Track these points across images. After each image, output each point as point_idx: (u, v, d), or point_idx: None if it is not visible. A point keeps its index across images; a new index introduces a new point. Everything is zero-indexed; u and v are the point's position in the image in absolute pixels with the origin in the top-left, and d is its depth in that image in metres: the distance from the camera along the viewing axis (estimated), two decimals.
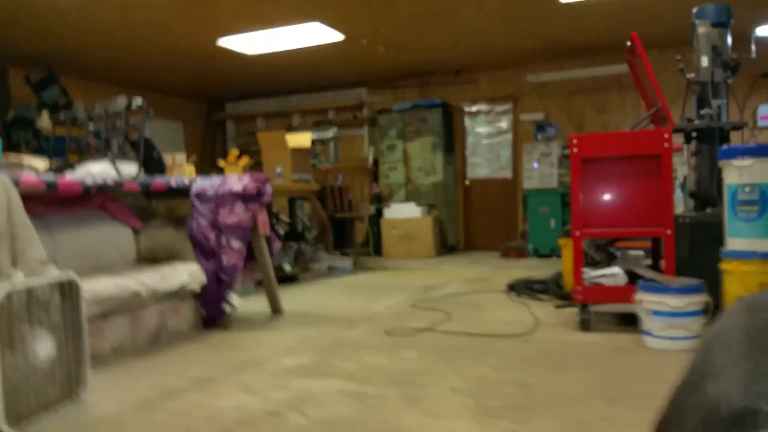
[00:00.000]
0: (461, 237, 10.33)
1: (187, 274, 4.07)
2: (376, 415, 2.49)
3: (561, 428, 2.28)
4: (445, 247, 9.63)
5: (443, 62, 9.46)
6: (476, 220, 10.31)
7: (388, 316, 4.52)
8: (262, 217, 4.58)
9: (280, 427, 2.40)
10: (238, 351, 3.64)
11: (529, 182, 9.12)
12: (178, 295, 4.03)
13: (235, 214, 4.32)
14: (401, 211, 9.21)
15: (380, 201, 9.74)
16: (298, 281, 6.45)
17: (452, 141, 10.12)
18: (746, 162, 3.41)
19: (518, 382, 2.88)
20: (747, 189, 3.39)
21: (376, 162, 10.20)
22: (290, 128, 10.44)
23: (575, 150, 3.80)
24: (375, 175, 10.09)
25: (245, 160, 6.93)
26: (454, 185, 10.19)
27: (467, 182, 10.33)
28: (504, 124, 10.07)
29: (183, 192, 4.47)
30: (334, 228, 8.27)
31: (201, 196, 4.42)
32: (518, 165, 9.76)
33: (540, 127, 9.09)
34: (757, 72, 8.12)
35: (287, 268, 6.40)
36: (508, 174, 10.05)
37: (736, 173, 3.48)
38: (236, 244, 4.31)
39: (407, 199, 9.71)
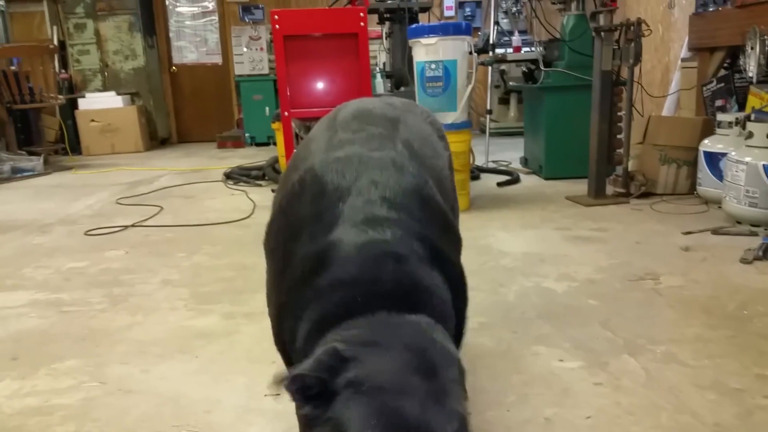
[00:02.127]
0: (173, 128, 9.66)
1: None
2: (75, 322, 2.24)
3: None
4: (156, 140, 8.94)
5: None
6: (188, 110, 9.70)
7: (88, 216, 4.06)
8: None
9: None
10: None
11: (241, 68, 8.79)
12: None
13: None
14: (100, 101, 8.17)
15: (73, 90, 8.50)
16: None
17: (152, 21, 9.14)
18: (432, 40, 3.68)
19: (235, 266, 2.84)
20: (433, 66, 3.69)
21: (63, 45, 8.77)
22: None
23: (277, 26, 3.69)
24: (63, 60, 8.70)
25: None
26: (159, 71, 9.34)
27: (174, 69, 9.56)
28: (209, 4, 9.38)
29: None
30: (17, 123, 7.02)
31: None
32: (228, 50, 9.30)
33: (246, 9, 8.68)
34: None
35: None
36: (217, 59, 9.53)
37: (423, 51, 3.76)
38: None
39: (105, 87, 8.63)
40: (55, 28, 8.96)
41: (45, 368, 1.86)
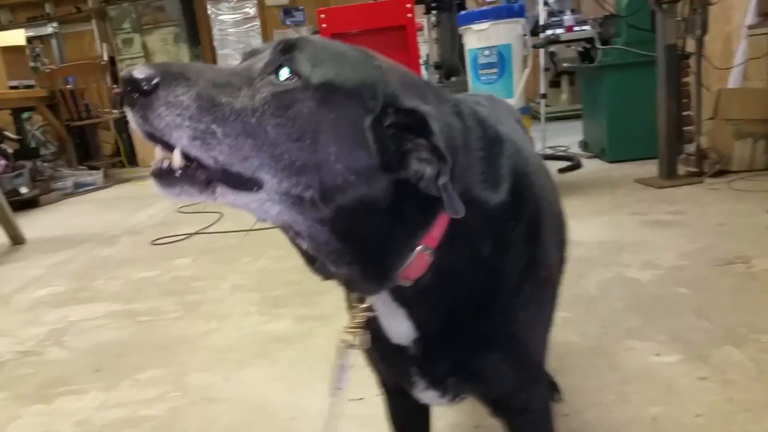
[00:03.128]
0: None
1: None
2: (152, 331, 2.25)
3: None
4: None
5: None
6: None
7: (152, 226, 4.12)
8: None
9: (40, 365, 2.05)
10: None
11: None
12: None
13: None
14: None
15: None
16: (39, 204, 5.57)
17: (196, 31, 9.29)
18: (484, 26, 3.57)
19: (301, 269, 2.71)
20: (486, 52, 3.58)
21: (113, 60, 9.01)
22: None
23: (324, 25, 3.65)
24: (114, 75, 8.93)
25: None
26: None
27: None
28: (250, 10, 9.47)
29: None
30: (76, 139, 7.23)
31: None
32: None
33: (287, 11, 8.72)
34: None
35: (23, 190, 5.46)
36: None
37: (475, 38, 3.65)
38: None
39: None
40: (104, 45, 9.20)
41: (128, 379, 1.86)
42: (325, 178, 0.67)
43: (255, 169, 0.65)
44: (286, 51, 0.68)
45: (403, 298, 0.80)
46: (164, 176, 0.67)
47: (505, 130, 0.89)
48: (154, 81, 0.62)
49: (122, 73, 0.64)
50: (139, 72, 0.63)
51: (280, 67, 0.67)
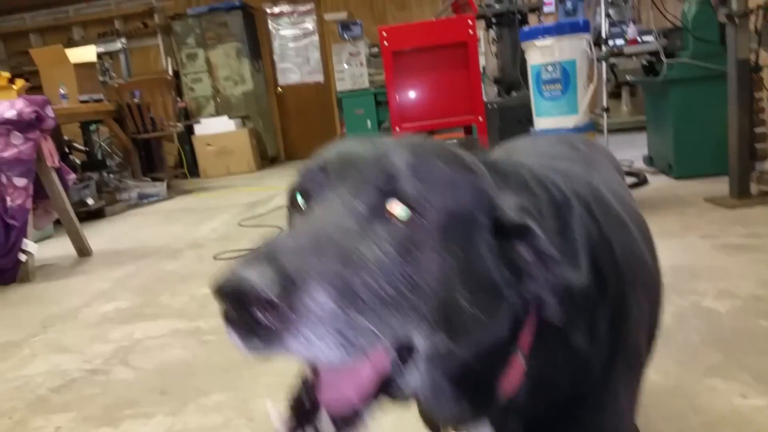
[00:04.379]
0: (281, 147, 9.98)
1: None
2: (217, 352, 2.27)
3: None
4: (266, 159, 9.26)
5: None
6: (294, 128, 9.99)
7: (214, 239, 4.20)
8: (48, 147, 3.90)
9: (106, 385, 2.10)
10: (43, 305, 3.15)
11: (342, 84, 8.92)
12: None
13: (13, 146, 3.64)
14: (214, 126, 8.58)
15: (188, 117, 8.98)
16: (105, 215, 5.79)
17: (258, 46, 9.50)
18: (547, 42, 3.50)
19: None
20: (550, 68, 3.51)
21: (177, 74, 9.30)
22: (71, 43, 9.04)
23: (386, 43, 3.65)
24: (178, 89, 9.22)
25: (21, 84, 5.83)
26: (266, 94, 9.69)
27: (279, 90, 9.87)
28: (309, 25, 9.62)
29: None
30: (141, 151, 7.47)
31: None
32: (329, 67, 9.48)
33: (345, 26, 8.80)
34: None
35: (90, 201, 5.68)
36: (319, 77, 9.75)
37: (539, 53, 3.58)
38: (20, 181, 3.66)
39: (218, 112, 9.05)
40: (169, 59, 9.54)
41: (193, 403, 1.88)
42: (462, 324, 0.58)
43: (398, 339, 0.54)
44: (389, 181, 0.56)
45: (493, 415, 0.71)
46: None
47: (578, 185, 0.80)
48: (281, 292, 0.46)
49: (222, 287, 0.46)
50: (256, 281, 0.45)
51: (388, 202, 0.55)
